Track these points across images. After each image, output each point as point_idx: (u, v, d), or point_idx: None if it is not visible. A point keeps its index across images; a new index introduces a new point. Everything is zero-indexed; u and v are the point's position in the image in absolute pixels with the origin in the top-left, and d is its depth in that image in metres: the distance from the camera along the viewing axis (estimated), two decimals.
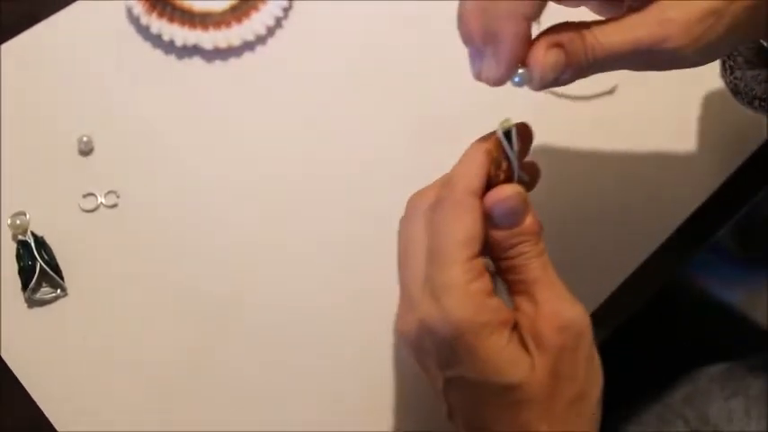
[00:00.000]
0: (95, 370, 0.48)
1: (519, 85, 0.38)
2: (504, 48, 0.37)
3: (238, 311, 0.50)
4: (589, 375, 0.37)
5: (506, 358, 0.36)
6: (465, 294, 0.36)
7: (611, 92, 0.60)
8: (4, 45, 0.56)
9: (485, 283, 0.37)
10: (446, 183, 0.39)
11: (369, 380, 0.49)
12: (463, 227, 0.37)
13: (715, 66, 0.61)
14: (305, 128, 0.56)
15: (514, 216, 0.38)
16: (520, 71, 0.37)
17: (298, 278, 0.51)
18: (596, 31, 0.37)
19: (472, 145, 0.40)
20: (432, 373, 0.40)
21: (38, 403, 0.47)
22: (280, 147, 0.55)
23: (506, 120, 0.39)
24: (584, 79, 0.59)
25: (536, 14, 0.38)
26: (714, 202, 0.57)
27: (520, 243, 0.38)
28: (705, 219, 0.57)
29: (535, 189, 0.56)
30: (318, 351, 0.50)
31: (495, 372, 0.36)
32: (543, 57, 0.37)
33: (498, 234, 0.38)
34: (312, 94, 0.57)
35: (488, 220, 0.38)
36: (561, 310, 0.37)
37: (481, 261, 0.38)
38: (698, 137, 0.60)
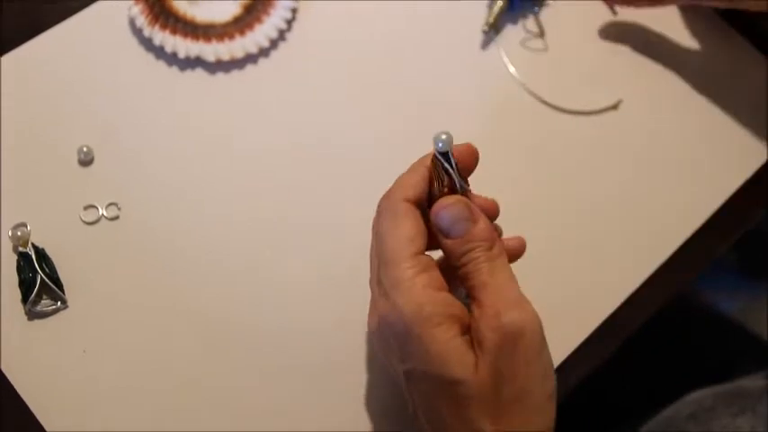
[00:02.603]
0: (95, 383, 0.47)
1: (442, 149, 0.40)
2: None
3: (239, 324, 0.50)
4: (532, 375, 0.38)
5: (452, 352, 0.38)
6: (411, 288, 0.38)
7: (615, 107, 0.60)
8: (5, 56, 0.56)
9: (432, 277, 0.39)
10: (386, 194, 0.42)
11: (367, 400, 0.49)
12: (402, 229, 0.40)
13: (720, 84, 0.61)
14: (308, 140, 0.56)
15: (459, 224, 0.40)
16: (443, 136, 0.40)
17: (300, 292, 0.51)
18: None
19: (417, 160, 0.43)
20: (394, 368, 0.42)
21: (36, 416, 0.46)
22: (283, 160, 0.55)
23: (439, 134, 0.40)
24: (588, 94, 0.60)
25: None
26: (716, 221, 0.57)
27: (470, 250, 0.40)
28: (708, 237, 0.57)
29: (537, 204, 0.56)
30: (316, 369, 0.49)
31: (441, 364, 0.38)
32: None
33: (449, 243, 0.40)
34: (315, 106, 0.57)
35: (438, 230, 0.40)
36: (501, 311, 0.38)
37: (427, 257, 0.40)
38: (701, 153, 0.60)
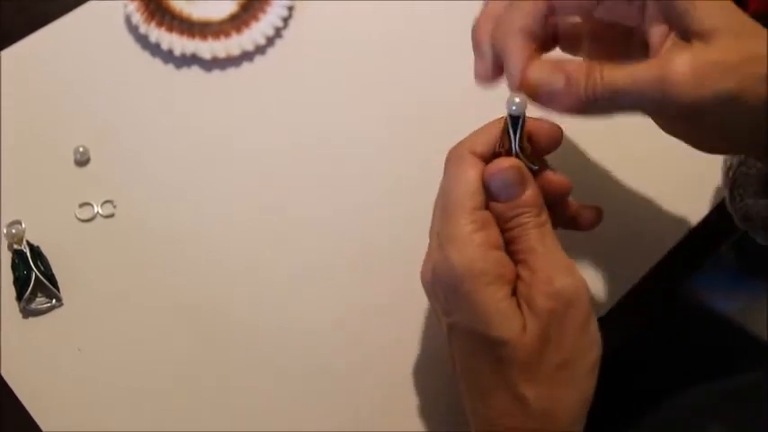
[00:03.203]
0: (90, 381, 0.47)
1: (515, 113, 0.39)
2: (510, 56, 0.40)
3: (235, 322, 0.50)
4: (579, 344, 0.38)
5: (499, 312, 0.37)
6: (466, 243, 0.38)
7: None
8: (1, 53, 0.55)
9: (490, 234, 0.39)
10: (455, 145, 0.41)
11: (367, 400, 0.49)
12: (464, 180, 0.39)
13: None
14: (305, 139, 0.56)
15: (510, 188, 0.39)
16: (516, 100, 0.39)
17: (298, 291, 0.51)
18: (605, 67, 0.38)
19: (491, 121, 0.42)
20: (440, 319, 0.42)
21: (31, 414, 0.46)
22: (279, 158, 0.55)
23: (512, 96, 0.40)
24: None
25: (537, 32, 0.41)
26: (714, 219, 0.57)
27: (519, 215, 0.39)
28: (705, 235, 0.56)
29: None
30: (315, 366, 0.49)
31: (487, 323, 0.37)
32: (539, 70, 0.39)
33: (498, 206, 0.39)
34: (312, 105, 0.57)
35: (488, 192, 0.40)
36: (554, 277, 0.38)
37: (488, 213, 0.39)
38: (696, 154, 0.59)
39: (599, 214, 0.47)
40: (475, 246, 0.38)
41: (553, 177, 0.43)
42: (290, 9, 0.60)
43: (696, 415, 0.55)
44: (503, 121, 0.41)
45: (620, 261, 0.55)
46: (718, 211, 0.57)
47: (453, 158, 0.41)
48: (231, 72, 0.57)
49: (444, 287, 0.39)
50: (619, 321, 0.53)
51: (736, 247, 0.61)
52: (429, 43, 0.60)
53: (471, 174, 0.39)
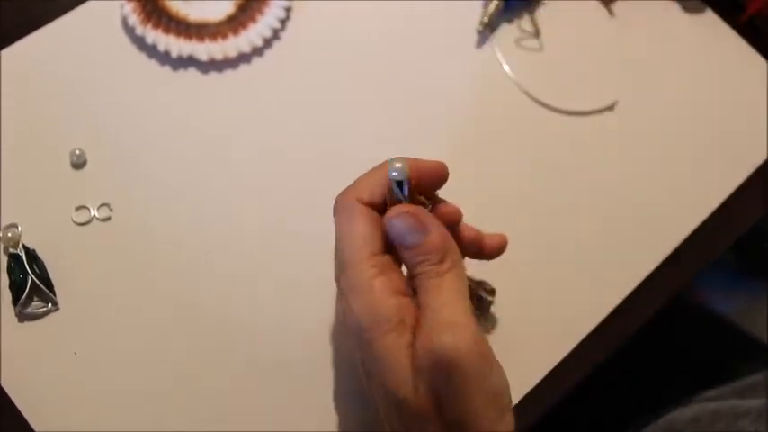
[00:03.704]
0: (86, 385, 0.47)
1: (397, 178, 0.40)
2: None
3: (232, 324, 0.50)
4: (471, 406, 0.36)
5: (398, 365, 0.36)
6: (366, 291, 0.37)
7: (611, 108, 0.60)
8: None
9: (392, 280, 0.38)
10: (341, 193, 0.41)
11: (362, 403, 0.48)
12: (355, 230, 0.39)
13: (716, 85, 0.61)
14: (302, 141, 0.56)
15: (409, 235, 0.38)
16: (397, 165, 0.39)
17: (293, 292, 0.51)
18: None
19: (377, 166, 0.42)
20: (357, 365, 0.41)
21: (27, 418, 0.46)
22: (276, 160, 0.55)
23: (393, 161, 0.40)
24: (583, 94, 0.60)
25: None
26: (714, 221, 0.57)
27: (419, 263, 0.38)
28: (705, 238, 0.56)
29: (532, 204, 0.56)
30: (314, 368, 0.49)
31: (386, 376, 0.37)
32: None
33: (403, 253, 0.39)
34: (309, 106, 0.57)
35: (392, 240, 0.39)
36: (433, 332, 0.36)
37: (386, 258, 0.39)
38: (698, 153, 0.59)
39: (503, 241, 0.47)
40: (375, 292, 0.37)
41: (445, 209, 0.43)
42: (288, 10, 0.59)
43: (700, 418, 0.55)
44: (386, 172, 0.40)
45: (619, 265, 0.55)
46: (719, 215, 0.57)
47: (341, 208, 0.40)
48: (228, 74, 0.57)
49: (352, 335, 0.38)
50: (617, 325, 0.53)
51: (736, 248, 0.60)
52: (427, 44, 0.60)
53: (360, 223, 0.39)
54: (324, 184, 0.54)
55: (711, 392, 0.58)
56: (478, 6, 0.62)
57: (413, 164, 0.41)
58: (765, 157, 0.60)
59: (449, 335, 0.36)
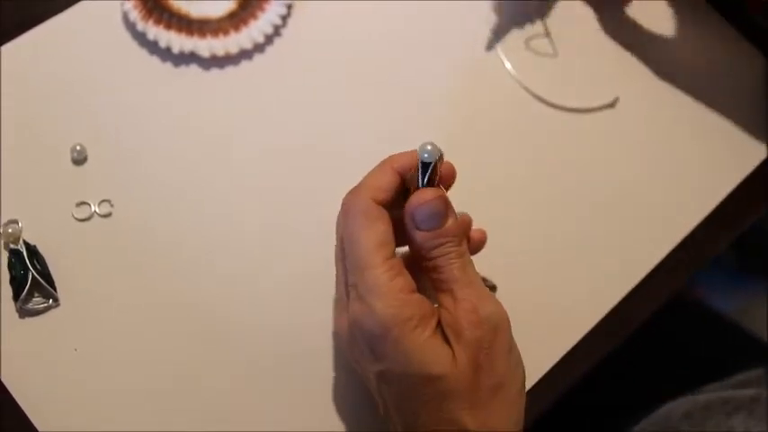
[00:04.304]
0: (87, 381, 0.47)
1: (428, 160, 0.40)
2: None
3: (232, 321, 0.50)
4: (508, 366, 0.40)
5: (429, 351, 0.39)
6: (388, 292, 0.39)
7: (611, 105, 0.60)
8: None
9: (406, 279, 0.40)
10: (353, 191, 0.42)
11: (366, 401, 0.48)
12: (376, 232, 0.40)
13: (718, 82, 0.61)
14: (303, 138, 0.56)
15: (436, 218, 0.40)
16: (429, 147, 0.40)
17: (293, 290, 0.51)
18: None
19: (387, 158, 0.43)
20: (364, 369, 0.42)
21: (28, 414, 0.46)
22: (276, 156, 0.55)
23: (424, 144, 0.40)
24: (585, 91, 0.60)
25: None
26: (715, 219, 0.57)
27: (442, 244, 0.40)
28: (706, 235, 0.56)
29: (534, 201, 0.56)
30: (315, 367, 0.49)
31: (419, 363, 0.38)
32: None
33: (421, 236, 0.40)
34: (310, 103, 0.57)
35: (411, 222, 0.41)
36: (479, 306, 0.39)
37: (398, 260, 0.40)
38: (699, 151, 0.59)
39: (483, 237, 0.49)
40: (397, 293, 0.39)
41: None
42: (290, 7, 0.59)
43: (692, 414, 0.55)
44: (411, 165, 0.41)
45: (619, 262, 0.55)
46: (720, 210, 0.57)
47: (355, 210, 0.41)
48: (230, 70, 0.57)
49: (368, 338, 0.40)
50: (615, 323, 0.53)
51: (736, 246, 0.60)
52: (427, 41, 0.60)
53: (380, 225, 0.40)
54: (324, 182, 0.54)
55: (706, 388, 0.58)
56: (479, 5, 0.62)
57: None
58: (765, 156, 0.60)
59: (491, 304, 0.40)
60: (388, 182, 0.42)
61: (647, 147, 0.59)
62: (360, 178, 0.54)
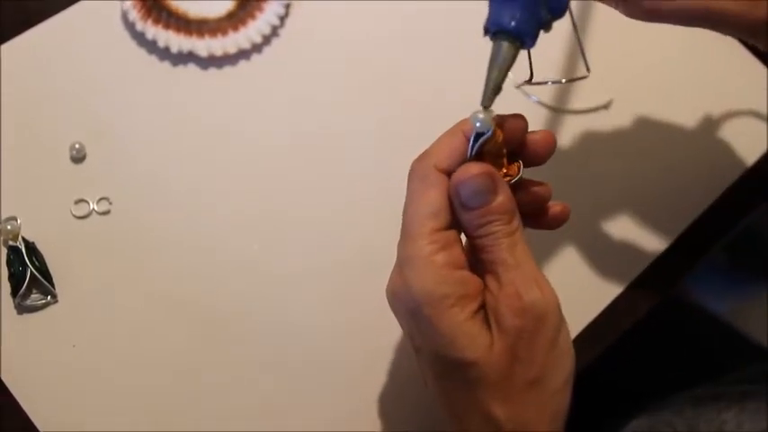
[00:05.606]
0: (85, 378, 0.47)
1: (480, 129, 0.38)
2: None
3: (231, 318, 0.50)
4: (549, 360, 0.37)
5: (464, 334, 0.36)
6: (426, 266, 0.36)
7: (606, 106, 0.60)
8: None
9: (453, 255, 0.37)
10: (420, 156, 0.39)
11: (366, 398, 0.49)
12: (427, 200, 0.37)
13: (711, 83, 0.62)
14: (302, 137, 0.56)
15: (480, 195, 0.37)
16: (480, 116, 0.37)
17: (293, 288, 0.51)
18: None
19: (460, 121, 0.39)
20: (408, 338, 0.40)
21: (26, 411, 0.46)
22: (275, 155, 0.55)
23: (476, 113, 0.38)
24: (579, 93, 0.60)
25: None
26: (709, 218, 0.57)
27: (489, 223, 0.37)
28: (700, 234, 0.57)
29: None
30: (313, 363, 0.49)
31: (451, 346, 0.36)
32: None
33: (467, 213, 0.37)
34: (309, 103, 0.57)
35: (456, 198, 0.37)
36: (523, 292, 0.36)
37: (451, 233, 0.37)
38: (693, 151, 0.60)
39: (566, 210, 0.44)
40: (435, 268, 0.36)
41: (534, 186, 0.42)
42: (287, 7, 0.60)
43: (683, 412, 0.55)
44: (463, 136, 0.38)
45: (613, 263, 0.55)
46: (711, 214, 0.58)
47: (417, 175, 0.39)
48: (228, 70, 0.57)
49: (405, 311, 0.38)
50: (607, 326, 0.54)
51: (729, 248, 0.61)
52: (427, 42, 0.60)
53: (433, 194, 0.37)
54: (323, 180, 0.55)
55: (698, 387, 0.59)
56: (477, 5, 0.62)
57: (500, 121, 0.38)
58: (757, 157, 0.60)
59: (536, 291, 0.36)
60: (456, 148, 0.38)
61: (640, 148, 0.59)
62: (357, 178, 0.55)
